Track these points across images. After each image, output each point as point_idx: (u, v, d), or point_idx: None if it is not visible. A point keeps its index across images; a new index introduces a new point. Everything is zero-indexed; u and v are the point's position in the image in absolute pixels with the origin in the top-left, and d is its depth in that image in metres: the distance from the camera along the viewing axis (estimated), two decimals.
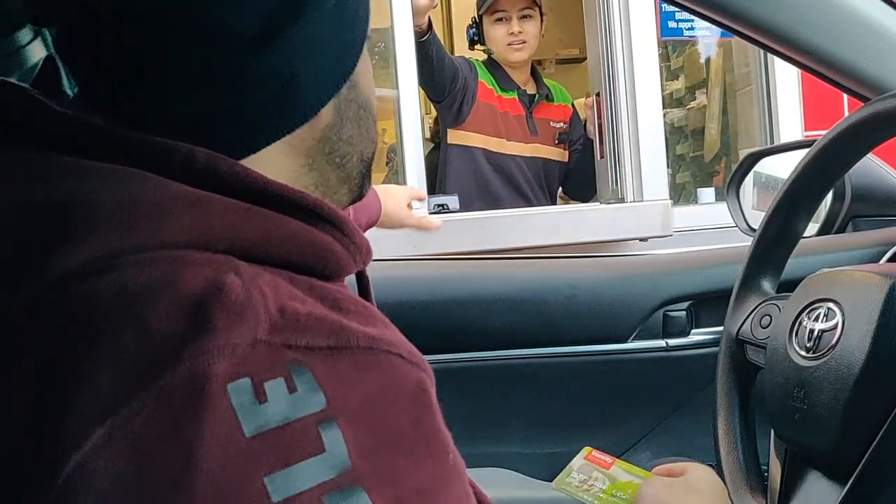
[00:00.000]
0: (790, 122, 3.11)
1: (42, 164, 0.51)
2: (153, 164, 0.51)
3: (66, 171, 0.50)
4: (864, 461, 0.69)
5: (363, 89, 0.61)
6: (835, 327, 0.75)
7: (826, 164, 0.88)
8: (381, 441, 0.45)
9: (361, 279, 0.68)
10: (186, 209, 0.48)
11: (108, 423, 0.42)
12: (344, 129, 0.60)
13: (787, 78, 3.08)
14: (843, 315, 0.75)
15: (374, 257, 0.65)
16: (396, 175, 2.86)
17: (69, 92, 0.89)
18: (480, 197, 2.95)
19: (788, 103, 3.11)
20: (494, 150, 2.95)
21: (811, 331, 0.77)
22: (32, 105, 0.53)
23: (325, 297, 0.50)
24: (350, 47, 0.59)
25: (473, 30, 3.03)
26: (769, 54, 3.06)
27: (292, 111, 0.56)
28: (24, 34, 0.92)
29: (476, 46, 3.09)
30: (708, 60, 3.46)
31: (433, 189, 2.96)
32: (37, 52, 0.97)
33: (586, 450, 0.93)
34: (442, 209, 2.71)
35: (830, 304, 0.77)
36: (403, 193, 1.47)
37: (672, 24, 3.06)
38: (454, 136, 2.93)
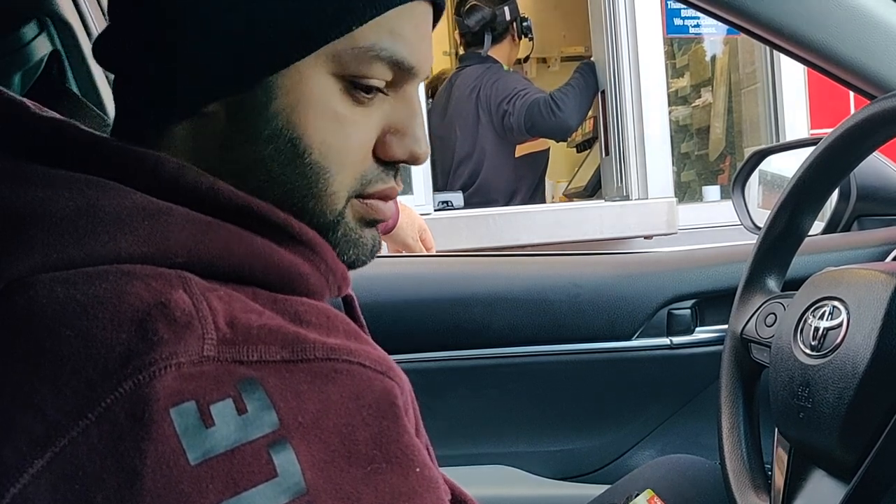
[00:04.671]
0: (796, 120, 3.10)
1: (9, 171, 0.50)
2: (122, 172, 0.50)
3: (31, 179, 0.49)
4: (868, 460, 0.68)
5: None
6: (840, 326, 0.74)
7: (832, 162, 0.87)
8: (337, 455, 0.43)
9: (347, 302, 0.65)
10: (144, 220, 0.48)
11: (48, 454, 0.41)
12: None
13: (793, 76, 3.08)
14: (848, 313, 0.74)
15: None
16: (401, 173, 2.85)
17: (74, 88, 0.89)
18: (541, 197, 3.04)
19: (795, 101, 3.11)
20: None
21: (816, 329, 0.77)
22: (9, 111, 0.53)
23: (287, 310, 0.48)
24: None
25: (527, 23, 3.09)
26: (775, 52, 3.05)
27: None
28: (29, 30, 0.91)
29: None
30: (713, 58, 3.45)
31: (437, 186, 2.97)
32: (41, 48, 0.96)
33: (648, 492, 0.93)
34: (446, 206, 2.72)
35: (835, 303, 0.77)
36: (417, 219, 1.46)
37: (678, 22, 3.06)
38: (524, 148, 3.01)
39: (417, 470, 0.46)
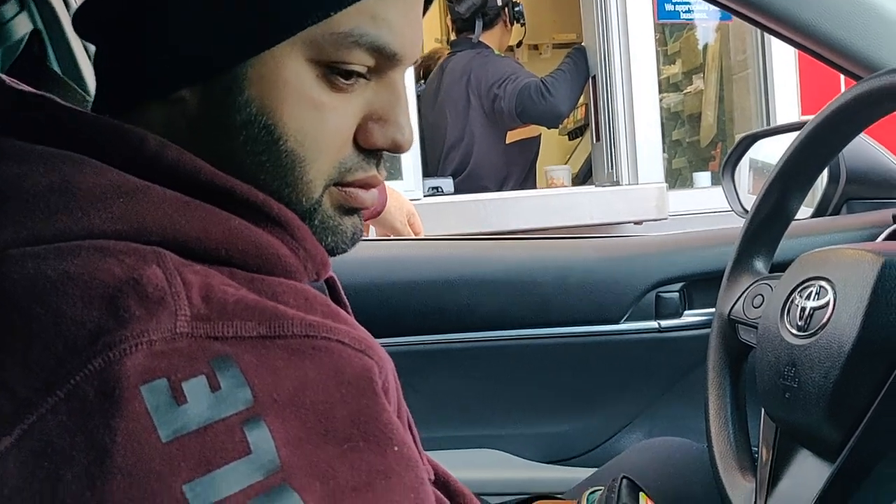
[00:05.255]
0: (787, 107, 3.10)
1: None
2: (101, 147, 0.49)
3: (6, 154, 0.48)
4: (853, 439, 0.68)
5: None
6: (826, 305, 0.74)
7: (820, 143, 0.87)
8: (314, 433, 0.43)
9: (331, 286, 0.64)
10: (119, 198, 0.47)
11: (17, 431, 0.40)
12: None
13: (784, 63, 3.07)
14: (834, 293, 0.74)
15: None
16: (392, 158, 2.85)
17: (55, 67, 0.88)
18: (532, 184, 3.05)
19: (785, 88, 3.11)
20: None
21: (803, 309, 0.77)
22: None
23: (264, 290, 0.48)
24: None
25: (519, 8, 3.08)
26: (766, 39, 3.05)
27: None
28: (9, 8, 0.90)
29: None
30: (705, 45, 3.45)
31: (427, 172, 2.96)
32: (22, 26, 0.95)
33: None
34: (436, 192, 2.71)
35: (822, 283, 0.76)
36: (406, 203, 1.46)
37: (669, 7, 3.05)
38: (515, 135, 3.00)
39: (396, 448, 0.45)
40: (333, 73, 0.53)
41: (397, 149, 0.57)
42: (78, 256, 0.44)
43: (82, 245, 0.45)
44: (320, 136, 0.53)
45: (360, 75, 0.54)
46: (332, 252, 0.58)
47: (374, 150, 0.57)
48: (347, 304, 0.65)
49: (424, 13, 0.60)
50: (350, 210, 0.58)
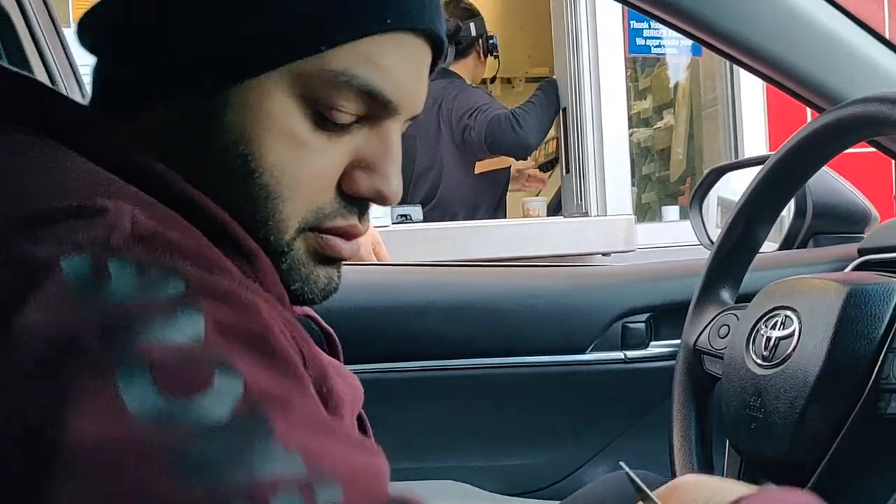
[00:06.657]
0: (755, 144, 3.13)
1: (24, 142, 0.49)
2: (87, 147, 0.49)
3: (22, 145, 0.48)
4: (819, 470, 0.67)
5: None
6: (792, 335, 0.74)
7: (785, 174, 0.87)
8: (238, 334, 0.41)
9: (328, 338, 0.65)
10: (89, 175, 0.47)
11: None
12: None
13: (753, 100, 3.11)
14: (800, 322, 0.73)
15: None
16: None
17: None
18: (502, 215, 3.05)
19: (754, 125, 3.14)
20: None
21: (768, 339, 0.76)
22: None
23: None
24: None
25: (493, 41, 3.08)
26: (736, 77, 3.09)
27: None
28: None
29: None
30: (676, 82, 3.48)
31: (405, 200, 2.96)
32: None
33: None
34: (404, 219, 2.69)
35: (788, 312, 0.76)
36: (371, 231, 1.45)
37: (640, 42, 3.08)
38: (484, 165, 3.00)
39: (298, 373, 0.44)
40: (321, 113, 0.52)
41: (382, 201, 0.55)
42: None
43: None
44: (300, 175, 0.52)
45: (347, 122, 0.53)
46: (299, 299, 0.55)
47: (356, 198, 0.55)
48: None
49: (433, 70, 0.59)
50: (326, 259, 0.55)
